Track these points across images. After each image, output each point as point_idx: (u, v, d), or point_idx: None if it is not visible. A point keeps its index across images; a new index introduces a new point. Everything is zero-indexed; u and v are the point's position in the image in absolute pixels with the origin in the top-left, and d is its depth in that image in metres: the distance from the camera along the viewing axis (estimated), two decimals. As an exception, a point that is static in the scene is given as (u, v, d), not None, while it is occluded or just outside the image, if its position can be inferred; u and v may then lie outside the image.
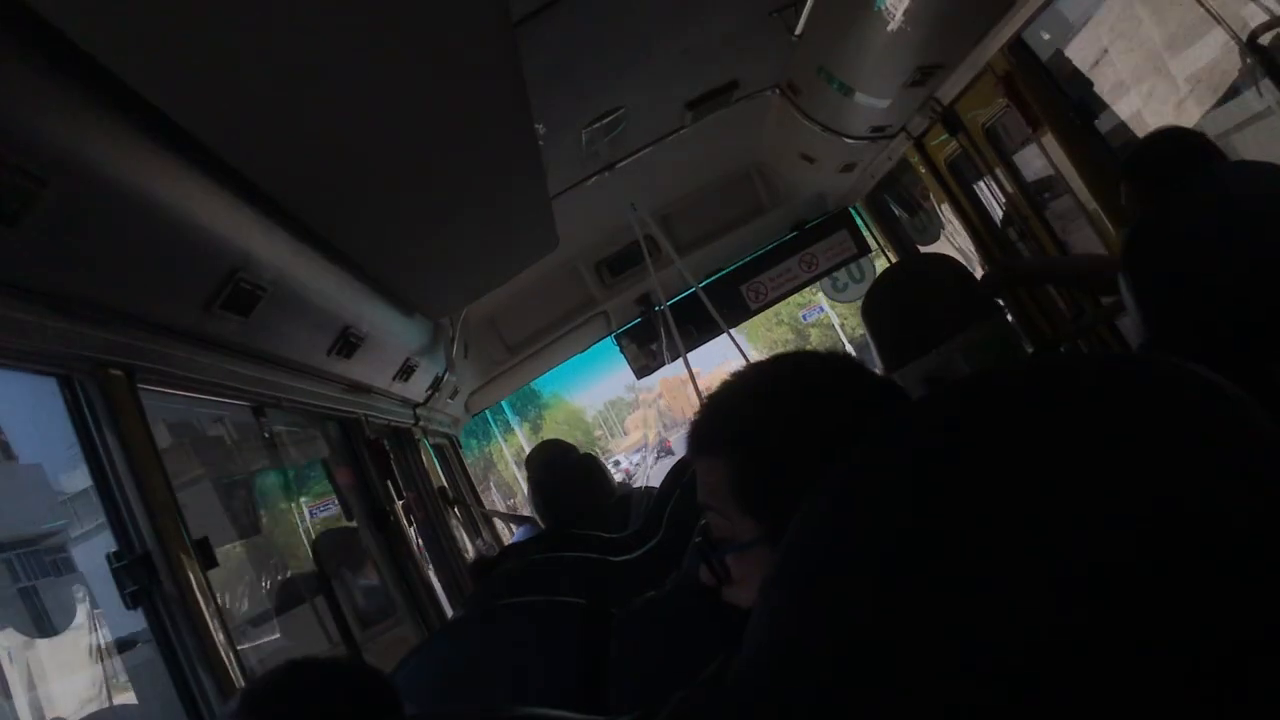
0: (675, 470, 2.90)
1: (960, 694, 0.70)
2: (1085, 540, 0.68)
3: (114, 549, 1.94)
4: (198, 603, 1.95)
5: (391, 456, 4.10)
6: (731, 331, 5.56)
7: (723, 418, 1.20)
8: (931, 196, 5.34)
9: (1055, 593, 0.69)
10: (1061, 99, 3.87)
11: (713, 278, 6.13)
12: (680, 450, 3.87)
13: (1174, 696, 0.67)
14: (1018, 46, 3.86)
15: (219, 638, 1.98)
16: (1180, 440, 0.72)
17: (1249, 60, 3.54)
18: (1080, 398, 0.77)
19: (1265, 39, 3.46)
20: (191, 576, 1.97)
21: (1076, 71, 4.58)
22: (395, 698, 1.32)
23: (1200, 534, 0.68)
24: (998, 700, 0.69)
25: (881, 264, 6.47)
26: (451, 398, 5.31)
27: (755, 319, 6.23)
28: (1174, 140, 2.90)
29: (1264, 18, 3.45)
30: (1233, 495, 0.70)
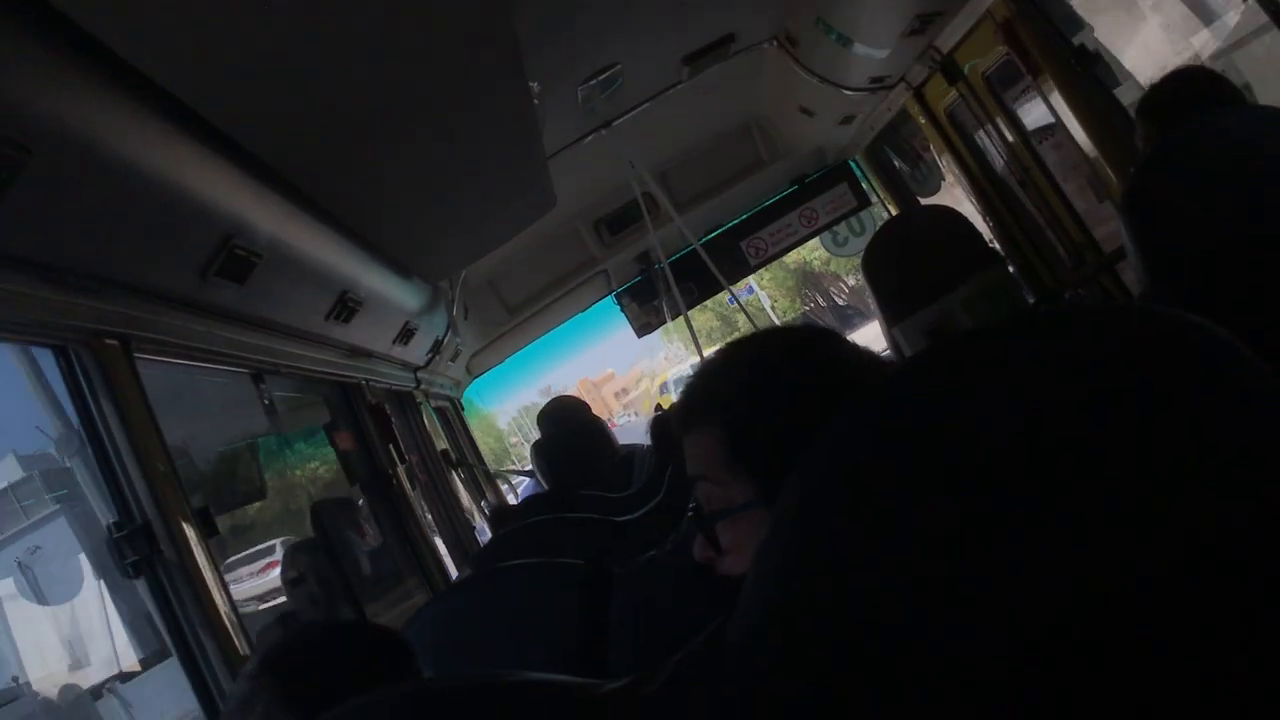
0: (663, 426, 2.90)
1: (958, 650, 0.69)
2: (1083, 493, 0.67)
3: (114, 519, 1.94)
4: (199, 571, 1.95)
5: (393, 420, 4.10)
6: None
7: (710, 389, 1.20)
8: (932, 147, 5.29)
9: (1054, 555, 0.68)
10: (1062, 44, 3.82)
11: (712, 234, 6.11)
12: None
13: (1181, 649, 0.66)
14: (1017, -9, 3.81)
15: (222, 605, 1.98)
16: (1175, 395, 0.71)
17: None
18: (1077, 351, 0.75)
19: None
20: (193, 545, 1.97)
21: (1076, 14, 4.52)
22: (410, 655, 1.32)
23: (1202, 491, 0.67)
24: (995, 656, 0.68)
25: (883, 216, 6.43)
26: (453, 360, 5.30)
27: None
28: (1186, 80, 2.84)
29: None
30: (1234, 453, 0.68)
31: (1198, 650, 0.64)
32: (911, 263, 3.10)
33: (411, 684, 0.93)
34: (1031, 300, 4.34)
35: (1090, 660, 0.64)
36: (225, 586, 2.04)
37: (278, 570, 4.36)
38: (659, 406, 5.43)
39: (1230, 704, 0.64)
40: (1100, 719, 0.65)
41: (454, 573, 4.08)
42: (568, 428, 3.74)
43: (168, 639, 1.95)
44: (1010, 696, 0.66)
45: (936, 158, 5.37)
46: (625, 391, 44.04)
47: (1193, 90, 2.73)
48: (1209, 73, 2.90)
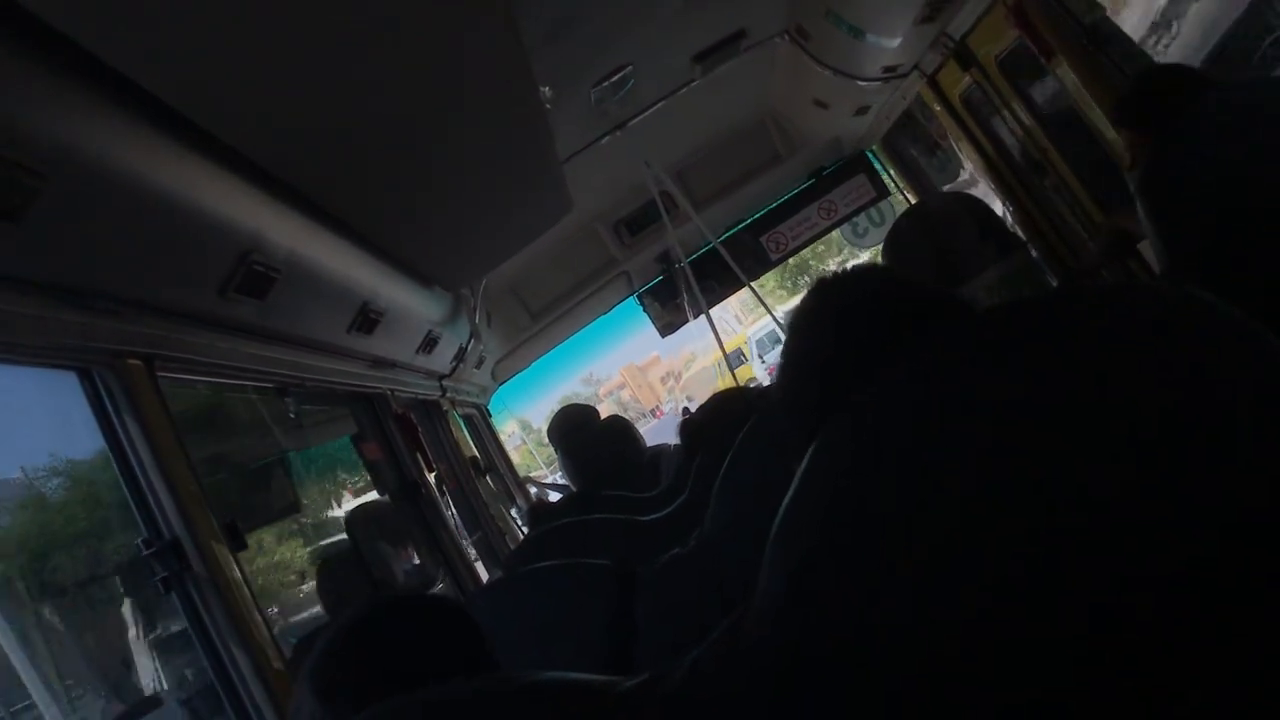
0: (692, 428, 2.90)
1: (968, 636, 0.68)
2: (1084, 470, 0.67)
3: (143, 536, 1.96)
4: (229, 585, 1.97)
5: (420, 429, 4.11)
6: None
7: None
8: (948, 134, 5.26)
9: (1071, 542, 0.67)
10: (1073, 25, 3.79)
11: (732, 231, 6.10)
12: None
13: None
14: (1026, -26, 3.78)
15: (253, 618, 2.00)
16: (1176, 369, 0.70)
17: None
18: (1084, 330, 0.75)
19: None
20: (221, 560, 1.98)
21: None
22: (477, 628, 1.33)
23: (1200, 459, 0.66)
24: (1021, 650, 0.67)
25: (902, 206, 6.40)
26: (477, 367, 5.32)
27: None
28: (1160, 77, 2.82)
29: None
30: (1236, 424, 0.68)
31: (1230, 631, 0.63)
32: (933, 250, 3.07)
33: (425, 691, 0.94)
34: (1055, 284, 4.31)
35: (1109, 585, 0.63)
36: (257, 600, 2.06)
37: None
38: (685, 410, 5.44)
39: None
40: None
41: (485, 578, 4.10)
42: (588, 427, 3.75)
43: (201, 653, 1.97)
44: (1023, 689, 0.65)
45: (954, 144, 5.34)
46: (674, 376, 41.83)
47: (1166, 86, 2.69)
48: (1181, 66, 2.87)
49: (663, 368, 42.86)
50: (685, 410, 5.29)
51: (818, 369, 1.08)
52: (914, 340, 0.82)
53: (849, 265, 1.24)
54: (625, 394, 44.13)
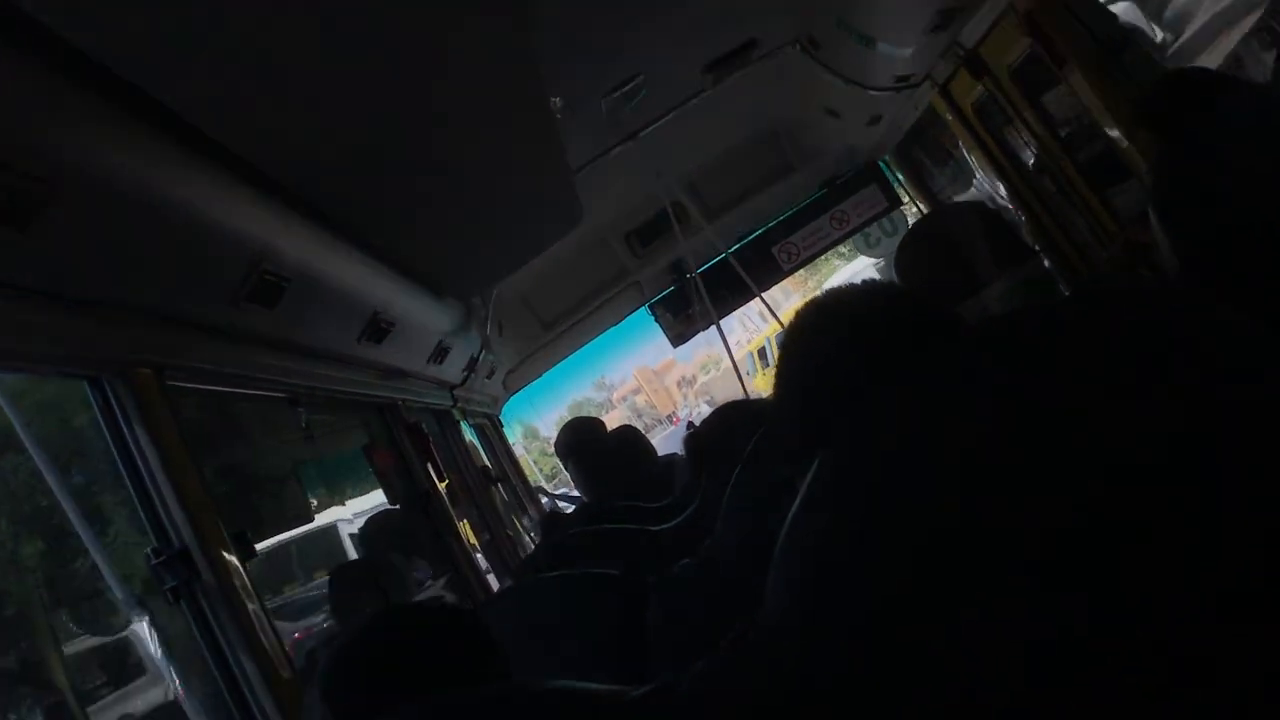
0: (697, 443, 2.89)
1: (980, 649, 0.68)
2: (1085, 479, 0.66)
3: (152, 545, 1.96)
4: (238, 595, 1.97)
5: (431, 439, 4.12)
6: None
7: None
8: (961, 144, 5.25)
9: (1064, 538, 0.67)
10: (1087, 34, 3.78)
11: (743, 241, 6.09)
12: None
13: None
14: (1039, -18, 3.77)
15: (263, 628, 1.99)
16: (1182, 377, 0.70)
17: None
18: (1089, 337, 0.74)
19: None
20: (231, 569, 1.98)
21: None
22: (489, 635, 1.32)
23: (1207, 468, 0.66)
24: (1020, 668, 0.67)
25: (915, 216, 6.39)
26: (489, 377, 5.32)
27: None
28: (1182, 80, 2.83)
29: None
30: (1241, 432, 0.67)
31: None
32: (942, 262, 3.06)
33: (435, 698, 0.93)
34: (1067, 294, 4.29)
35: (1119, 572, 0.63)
36: (265, 609, 2.06)
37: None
38: (690, 424, 5.44)
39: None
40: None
41: (497, 588, 4.09)
42: (598, 439, 3.75)
43: (210, 662, 1.97)
44: (1024, 691, 0.65)
45: (966, 155, 5.33)
46: (690, 380, 40.26)
47: (1188, 89, 2.70)
48: (1202, 69, 2.88)
49: (679, 372, 41.86)
50: (690, 425, 5.28)
51: (814, 384, 1.08)
52: (911, 354, 0.82)
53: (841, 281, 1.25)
54: (640, 399, 42.77)
